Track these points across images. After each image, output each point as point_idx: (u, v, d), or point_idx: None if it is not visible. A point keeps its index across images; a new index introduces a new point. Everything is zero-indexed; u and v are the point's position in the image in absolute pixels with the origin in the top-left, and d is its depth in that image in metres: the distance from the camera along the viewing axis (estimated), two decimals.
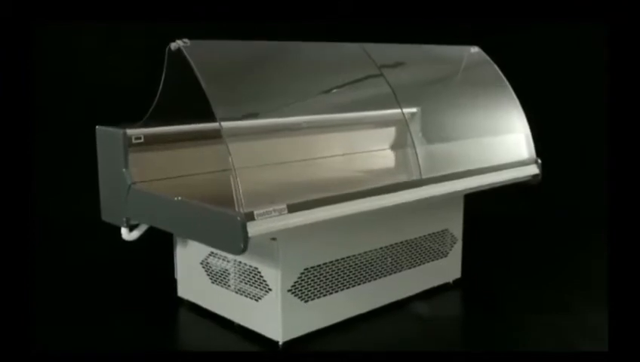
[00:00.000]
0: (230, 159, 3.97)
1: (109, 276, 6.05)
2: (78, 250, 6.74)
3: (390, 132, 6.04)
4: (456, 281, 5.78)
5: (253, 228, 3.90)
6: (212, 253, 4.94)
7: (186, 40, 4.35)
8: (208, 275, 5.02)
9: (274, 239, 4.44)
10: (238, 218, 3.86)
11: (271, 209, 4.02)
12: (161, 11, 7.24)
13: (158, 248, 5.68)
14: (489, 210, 7.38)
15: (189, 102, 4.38)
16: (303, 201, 4.20)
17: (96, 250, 6.61)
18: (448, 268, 5.75)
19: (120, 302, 5.46)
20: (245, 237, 3.86)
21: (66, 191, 7.44)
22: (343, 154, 5.73)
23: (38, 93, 7.26)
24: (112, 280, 5.96)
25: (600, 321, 5.01)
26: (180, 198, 4.32)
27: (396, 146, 5.96)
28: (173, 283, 5.38)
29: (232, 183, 3.96)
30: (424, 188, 4.94)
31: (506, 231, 7.74)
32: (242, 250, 3.89)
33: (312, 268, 4.67)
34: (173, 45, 4.34)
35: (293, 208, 4.12)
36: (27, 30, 6.77)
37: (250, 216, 3.90)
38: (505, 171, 5.61)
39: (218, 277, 4.95)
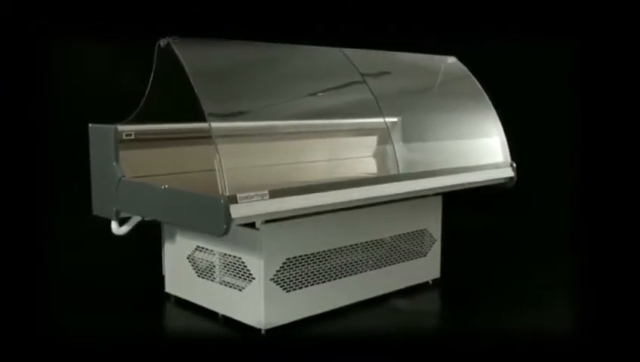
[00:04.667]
0: (215, 146, 4.02)
1: (98, 276, 6.06)
2: (72, 248, 6.77)
3: (373, 140, 6.07)
4: (435, 281, 5.80)
5: (236, 211, 3.94)
6: (198, 247, 4.97)
7: (175, 37, 4.39)
8: (194, 269, 5.04)
9: (257, 229, 4.47)
10: (222, 200, 3.89)
11: (253, 193, 4.05)
12: (155, 17, 7.34)
13: (147, 248, 5.78)
14: (468, 214, 7.60)
15: (179, 99, 4.41)
16: (284, 188, 4.24)
17: (89, 252, 6.67)
18: (427, 268, 5.75)
19: (109, 300, 5.45)
20: (228, 219, 3.90)
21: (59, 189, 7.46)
22: (328, 160, 5.79)
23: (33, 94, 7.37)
24: (101, 279, 5.97)
25: (568, 314, 5.15)
26: (166, 186, 4.36)
27: (378, 153, 5.99)
28: (161, 279, 5.40)
29: (217, 169, 4.00)
30: (402, 182, 4.99)
31: (484, 234, 7.85)
32: (225, 232, 3.91)
33: (293, 258, 4.69)
34: (163, 41, 4.40)
35: (274, 194, 4.16)
36: (25, 34, 6.86)
37: (234, 199, 3.94)
38: (481, 172, 5.68)
39: (204, 271, 4.96)
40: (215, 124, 4.12)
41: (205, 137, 4.61)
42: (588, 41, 8.00)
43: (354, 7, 8.25)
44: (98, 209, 5.02)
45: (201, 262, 4.99)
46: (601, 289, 5.72)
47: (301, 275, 4.78)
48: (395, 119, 5.69)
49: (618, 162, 7.90)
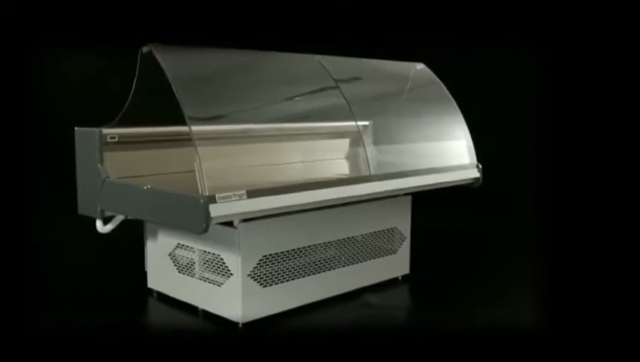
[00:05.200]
0: (195, 148, 4.10)
1: (83, 272, 6.11)
2: (58, 246, 6.85)
3: (345, 142, 6.09)
4: (404, 277, 5.88)
5: (215, 210, 4.04)
6: (179, 244, 5.05)
7: (157, 44, 4.48)
8: (175, 266, 5.12)
9: (235, 227, 4.57)
10: (201, 200, 3.99)
11: (231, 194, 4.14)
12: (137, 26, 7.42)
13: (130, 246, 5.88)
14: (436, 213, 7.63)
15: (160, 103, 4.49)
16: (261, 189, 4.33)
17: (74, 249, 6.72)
18: (397, 265, 5.83)
19: (93, 294, 5.51)
20: (207, 218, 4.00)
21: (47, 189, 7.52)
22: (302, 162, 5.81)
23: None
24: (86, 275, 6.03)
25: (531, 309, 5.22)
26: (148, 186, 4.45)
27: (350, 155, 6.02)
28: (144, 275, 5.48)
29: (197, 170, 4.08)
30: (374, 183, 5.08)
31: (451, 232, 7.89)
32: (205, 230, 4.01)
33: (270, 255, 4.77)
34: (145, 48, 4.48)
35: (251, 194, 4.25)
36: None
37: (213, 199, 4.03)
38: (448, 173, 5.77)
39: (184, 267, 5.05)
40: (195, 128, 4.18)
41: (186, 140, 4.67)
42: (550, 50, 8.15)
43: (329, 16, 8.32)
44: (83, 208, 5.07)
45: (181, 259, 5.06)
46: (564, 286, 5.79)
47: (277, 271, 4.86)
48: (366, 123, 5.75)
49: (578, 163, 8.06)
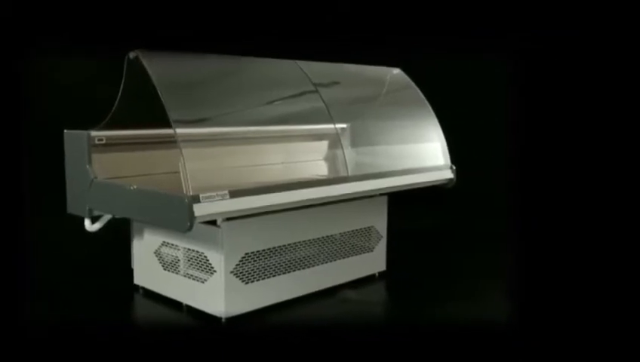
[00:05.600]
0: (180, 150, 4.18)
1: (72, 269, 6.17)
2: (48, 243, 6.91)
3: (324, 144, 6.17)
4: (381, 273, 5.96)
5: (199, 210, 4.12)
6: (164, 242, 5.12)
7: (143, 50, 4.56)
8: (161, 263, 5.20)
9: (218, 226, 4.64)
10: (186, 200, 4.08)
11: (214, 193, 4.23)
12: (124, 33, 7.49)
13: (118, 244, 5.92)
14: (412, 212, 7.67)
15: (146, 107, 4.60)
16: (243, 189, 4.42)
17: (64, 247, 6.78)
18: (374, 262, 5.92)
19: (82, 290, 5.57)
20: (191, 216, 4.09)
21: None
22: (283, 163, 5.87)
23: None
24: (75, 272, 6.09)
25: (500, 304, 5.34)
26: (135, 187, 4.54)
27: (329, 156, 6.10)
28: (130, 272, 5.56)
29: (181, 171, 4.16)
30: (351, 183, 5.17)
31: (426, 230, 7.96)
32: (189, 228, 4.10)
33: (252, 253, 4.85)
34: (132, 54, 4.56)
35: (234, 194, 4.34)
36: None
37: (197, 199, 4.12)
38: (423, 174, 5.84)
39: (169, 264, 5.12)
40: (180, 130, 4.27)
41: (171, 142, 4.75)
42: (521, 55, 8.25)
43: (307, 23, 8.37)
44: (72, 207, 5.16)
45: (166, 257, 5.14)
46: (534, 281, 5.88)
47: (259, 268, 4.92)
48: (344, 125, 5.79)
49: (548, 164, 8.17)
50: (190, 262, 4.98)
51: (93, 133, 4.99)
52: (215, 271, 4.75)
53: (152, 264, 5.28)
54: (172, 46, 6.04)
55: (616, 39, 7.63)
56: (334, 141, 5.68)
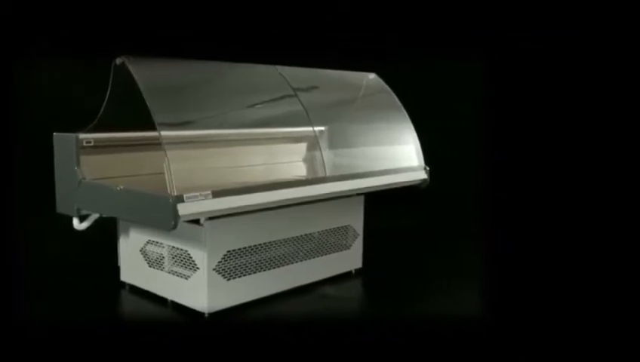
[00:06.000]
0: (164, 152, 4.27)
1: (61, 266, 6.23)
2: (39, 242, 6.94)
3: (303, 146, 6.25)
4: (357, 270, 6.06)
5: (183, 209, 4.23)
6: (149, 241, 5.20)
7: (129, 55, 4.66)
8: (146, 260, 5.28)
9: (201, 225, 4.73)
10: (170, 199, 4.19)
11: (198, 193, 4.34)
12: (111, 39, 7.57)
13: (105, 242, 5.95)
14: (387, 212, 7.71)
15: (132, 110, 4.69)
16: (225, 189, 4.53)
17: (53, 245, 6.80)
18: (351, 259, 6.00)
19: (71, 287, 5.64)
20: (176, 215, 4.19)
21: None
22: (264, 164, 5.93)
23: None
24: (64, 269, 6.14)
25: (472, 300, 5.45)
26: (121, 187, 4.64)
27: (308, 158, 6.17)
28: (117, 269, 5.63)
29: (166, 172, 4.26)
30: (329, 184, 5.28)
31: (401, 229, 8.03)
32: (173, 227, 4.20)
33: (233, 250, 4.94)
34: (119, 60, 4.66)
35: (217, 194, 4.45)
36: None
37: (181, 199, 4.22)
38: (398, 175, 5.95)
39: (154, 262, 5.21)
40: (164, 133, 4.36)
41: (156, 144, 4.79)
42: (490, 60, 8.33)
43: (286, 30, 8.42)
44: (61, 207, 5.25)
45: (152, 254, 5.21)
46: (505, 278, 5.97)
47: (240, 265, 5.01)
48: (322, 128, 5.86)
49: (518, 165, 8.26)
50: (174, 260, 5.06)
51: (82, 135, 5.06)
52: (198, 268, 4.83)
53: (138, 261, 5.36)
54: (165, 46, 6.14)
55: (587, 38, 7.71)
56: (313, 143, 5.79)
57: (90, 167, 5.09)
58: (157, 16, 7.85)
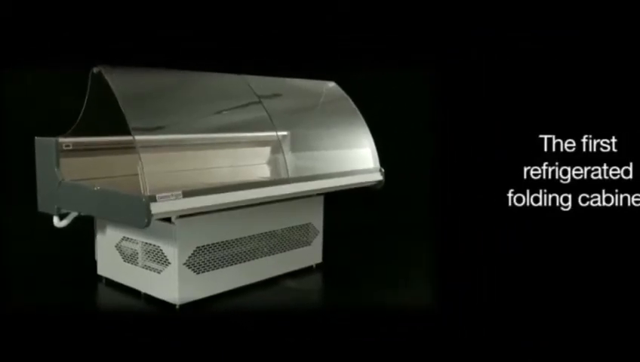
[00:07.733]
0: (138, 155, 4.37)
1: (41, 261, 6.32)
2: (20, 238, 6.94)
3: (267, 150, 6.31)
4: (318, 265, 6.20)
5: (155, 208, 4.35)
6: (124, 237, 5.30)
7: (106, 65, 4.76)
8: (121, 256, 5.39)
9: (172, 223, 4.85)
10: (144, 199, 4.31)
11: (169, 194, 4.45)
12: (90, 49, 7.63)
13: (83, 238, 6.00)
14: (345, 210, 7.68)
15: (109, 116, 4.76)
16: (195, 189, 4.64)
17: (34, 241, 6.85)
18: (312, 255, 6.14)
19: (50, 280, 5.71)
20: (149, 214, 4.31)
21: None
22: (230, 166, 6.00)
23: None
24: (44, 263, 6.23)
25: (424, 290, 5.60)
26: (98, 188, 4.75)
27: (271, 160, 6.22)
28: (94, 264, 5.70)
29: (140, 173, 4.36)
30: (291, 185, 5.38)
31: (358, 227, 8.08)
32: (146, 224, 4.32)
33: (202, 246, 5.06)
34: (96, 69, 4.77)
35: (187, 194, 4.57)
36: None
37: (153, 199, 4.34)
38: (355, 176, 6.05)
39: (129, 257, 5.32)
40: (138, 137, 4.45)
41: (130, 147, 4.87)
42: (442, 69, 8.44)
43: (251, 41, 8.46)
44: (42, 206, 5.31)
45: (126, 250, 5.30)
46: (455, 269, 5.83)
47: (209, 260, 5.11)
48: (285, 133, 5.96)
49: (467, 167, 8.38)
50: (148, 255, 5.16)
51: (61, 139, 5.13)
52: (170, 262, 4.94)
53: (114, 256, 5.44)
54: (157, 47, 6.18)
55: (533, 38, 7.75)
56: (276, 147, 5.86)
57: (69, 168, 5.16)
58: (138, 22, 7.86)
